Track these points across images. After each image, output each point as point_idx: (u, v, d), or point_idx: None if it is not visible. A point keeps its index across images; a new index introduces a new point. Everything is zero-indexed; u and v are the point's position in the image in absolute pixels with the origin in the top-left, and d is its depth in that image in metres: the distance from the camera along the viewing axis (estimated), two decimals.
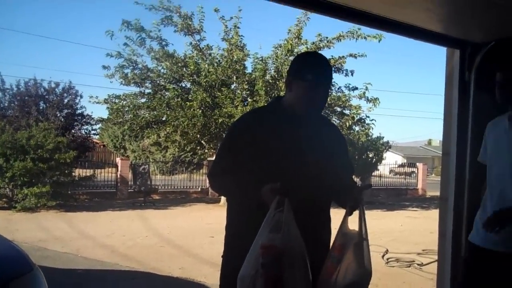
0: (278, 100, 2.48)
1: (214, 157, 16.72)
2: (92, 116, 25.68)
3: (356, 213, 2.27)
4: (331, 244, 2.29)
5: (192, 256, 8.13)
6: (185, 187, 21.82)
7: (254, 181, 2.19)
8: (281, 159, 2.25)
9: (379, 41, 15.19)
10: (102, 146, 38.16)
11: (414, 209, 18.25)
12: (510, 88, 2.70)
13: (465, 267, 3.10)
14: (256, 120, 2.43)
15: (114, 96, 17.66)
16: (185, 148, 19.81)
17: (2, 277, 2.83)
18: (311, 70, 2.32)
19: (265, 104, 14.40)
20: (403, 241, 10.09)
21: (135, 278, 6.67)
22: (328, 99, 9.68)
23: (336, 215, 2.39)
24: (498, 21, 3.50)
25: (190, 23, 16.44)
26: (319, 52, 13.40)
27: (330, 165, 2.33)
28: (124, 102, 17.57)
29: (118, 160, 21.05)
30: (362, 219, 2.23)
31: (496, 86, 2.81)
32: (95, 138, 34.14)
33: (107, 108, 17.90)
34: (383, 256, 8.23)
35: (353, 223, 2.26)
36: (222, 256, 2.44)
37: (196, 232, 10.79)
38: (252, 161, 2.26)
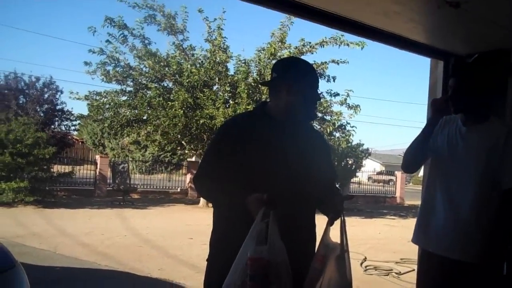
0: (264, 106, 2.45)
1: (194, 158, 16.69)
2: (72, 112, 25.41)
3: (337, 223, 2.26)
4: (315, 251, 2.29)
5: (171, 257, 8.05)
6: (164, 187, 21.70)
7: (240, 189, 2.17)
8: (267, 166, 2.23)
9: (362, 49, 15.31)
10: (80, 143, 37.82)
11: (392, 217, 18.34)
12: (459, 96, 2.70)
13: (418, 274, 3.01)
14: (243, 126, 2.38)
15: (95, 92, 17.56)
16: (165, 148, 19.71)
17: None
18: (305, 78, 2.35)
19: (247, 107, 14.49)
20: (381, 249, 10.11)
21: (114, 278, 6.59)
22: None
23: (318, 221, 2.41)
24: (481, 34, 3.56)
25: (173, 22, 16.44)
26: (302, 57, 13.48)
27: (315, 174, 2.32)
28: (105, 99, 17.43)
29: (97, 157, 20.82)
30: (343, 230, 2.23)
31: (448, 93, 2.76)
32: (74, 135, 33.79)
33: (88, 104, 17.81)
34: (361, 264, 8.23)
35: (334, 230, 2.25)
36: (207, 260, 2.41)
37: (175, 233, 10.72)
38: (238, 167, 2.24)
